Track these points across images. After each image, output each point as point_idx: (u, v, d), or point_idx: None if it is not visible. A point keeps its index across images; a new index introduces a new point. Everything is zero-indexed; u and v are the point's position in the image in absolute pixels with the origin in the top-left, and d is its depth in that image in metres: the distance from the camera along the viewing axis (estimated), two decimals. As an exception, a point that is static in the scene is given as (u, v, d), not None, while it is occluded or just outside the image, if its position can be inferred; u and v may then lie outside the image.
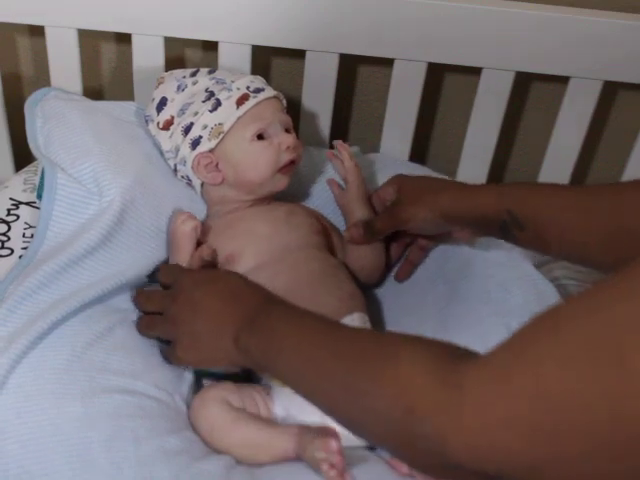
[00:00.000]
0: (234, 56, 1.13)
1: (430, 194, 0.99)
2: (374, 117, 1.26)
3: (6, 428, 0.81)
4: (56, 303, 0.89)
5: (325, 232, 1.05)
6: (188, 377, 0.92)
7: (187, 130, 0.99)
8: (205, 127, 0.98)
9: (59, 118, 1.03)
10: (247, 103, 0.98)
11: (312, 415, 0.86)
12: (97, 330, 0.90)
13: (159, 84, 1.04)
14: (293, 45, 1.13)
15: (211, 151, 0.99)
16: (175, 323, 0.87)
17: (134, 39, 1.13)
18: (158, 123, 1.02)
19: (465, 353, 0.61)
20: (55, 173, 0.96)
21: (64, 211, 0.96)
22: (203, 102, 0.99)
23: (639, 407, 0.46)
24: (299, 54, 1.15)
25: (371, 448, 0.90)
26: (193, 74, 1.04)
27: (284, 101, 1.04)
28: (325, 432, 0.83)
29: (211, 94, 0.99)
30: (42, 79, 1.19)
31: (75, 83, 1.15)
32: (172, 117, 1.01)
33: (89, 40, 1.19)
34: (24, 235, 0.98)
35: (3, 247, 0.97)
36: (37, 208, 0.99)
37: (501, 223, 0.92)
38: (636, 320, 0.47)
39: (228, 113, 0.98)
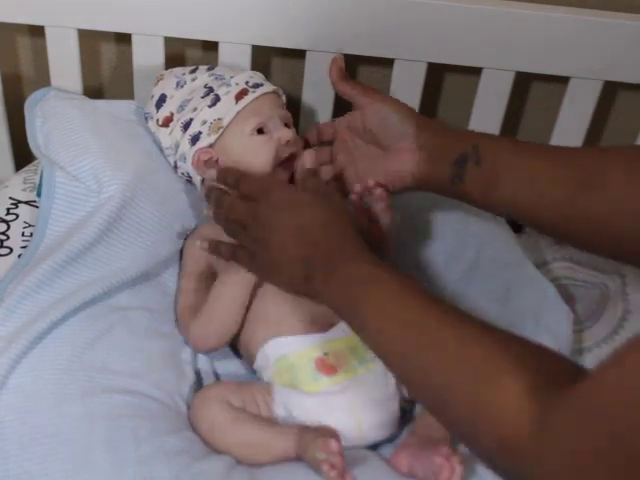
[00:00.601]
0: (234, 56, 1.13)
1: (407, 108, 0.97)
2: (374, 117, 1.26)
3: (6, 428, 0.81)
4: (56, 302, 0.89)
5: None
6: (189, 377, 0.92)
7: (186, 126, 0.99)
8: (204, 122, 0.98)
9: (58, 117, 1.03)
10: (246, 98, 0.98)
11: (312, 415, 0.86)
12: (97, 330, 0.90)
13: (158, 81, 1.04)
14: (293, 45, 1.13)
15: (211, 146, 0.98)
16: (253, 240, 0.85)
17: (134, 39, 1.13)
18: (157, 120, 1.02)
19: (567, 372, 0.60)
20: (54, 172, 0.96)
21: (63, 209, 0.96)
22: (202, 98, 0.99)
23: None
24: (299, 54, 1.15)
25: (371, 448, 0.90)
26: (192, 71, 1.04)
27: (284, 97, 1.04)
28: (325, 432, 0.83)
29: (210, 90, 0.99)
30: (42, 79, 1.19)
31: (75, 83, 1.15)
32: (171, 114, 1.01)
33: (89, 40, 1.19)
34: (23, 234, 0.98)
35: (2, 246, 0.97)
36: (37, 207, 0.99)
37: (460, 156, 0.89)
38: None
39: (227, 108, 0.98)
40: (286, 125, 1.00)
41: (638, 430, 0.50)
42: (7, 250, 0.96)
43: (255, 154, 0.98)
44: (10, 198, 1.03)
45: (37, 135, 1.03)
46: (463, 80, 1.23)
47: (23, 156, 1.18)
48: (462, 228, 1.08)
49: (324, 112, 1.20)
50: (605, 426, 0.52)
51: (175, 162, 1.02)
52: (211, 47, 1.16)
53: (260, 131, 0.98)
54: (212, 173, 0.94)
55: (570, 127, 1.18)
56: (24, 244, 0.97)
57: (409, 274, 0.81)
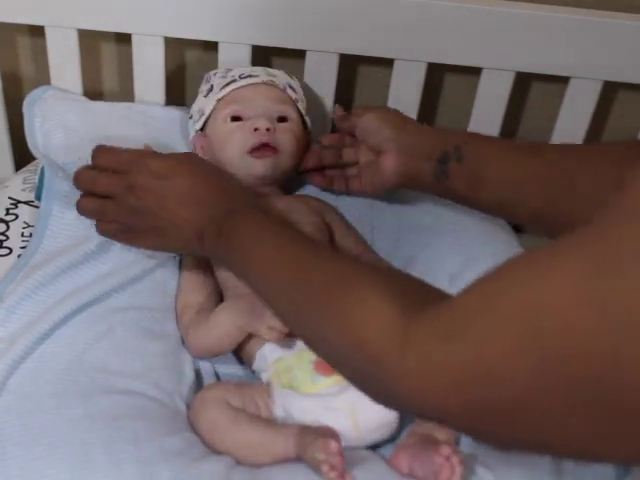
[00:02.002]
0: (234, 56, 1.13)
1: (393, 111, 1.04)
2: (374, 117, 1.26)
3: (6, 429, 0.81)
4: (56, 304, 0.89)
5: (328, 229, 1.04)
6: (188, 377, 0.92)
7: (192, 116, 1.07)
8: (198, 110, 1.05)
9: (58, 118, 1.03)
10: (228, 87, 1.03)
11: (312, 415, 0.86)
12: (97, 331, 0.90)
13: None
14: (293, 45, 1.13)
15: (201, 133, 1.04)
16: (131, 210, 0.88)
17: (134, 39, 1.13)
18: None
19: (434, 297, 0.61)
20: (54, 172, 0.96)
21: (63, 210, 0.96)
22: (204, 85, 1.07)
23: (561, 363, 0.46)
24: (299, 54, 1.15)
25: (371, 448, 0.90)
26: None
27: (288, 91, 1.05)
28: (325, 433, 0.83)
29: (212, 81, 1.06)
30: (42, 79, 1.19)
31: (75, 83, 1.15)
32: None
33: (89, 40, 1.19)
34: (23, 234, 0.98)
35: (2, 246, 0.97)
36: (36, 207, 1.00)
37: (442, 154, 0.94)
38: (557, 298, 0.46)
39: (213, 96, 1.03)
40: (280, 119, 1.02)
41: (498, 341, 0.50)
42: (7, 250, 0.96)
43: (224, 140, 1.02)
44: (10, 198, 1.03)
45: (36, 135, 1.03)
46: (463, 80, 1.23)
47: (23, 156, 1.18)
48: (461, 228, 1.08)
49: (324, 112, 1.20)
50: (468, 338, 0.52)
51: None
52: (211, 47, 1.16)
53: (238, 119, 1.01)
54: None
55: (570, 127, 1.18)
56: (24, 244, 0.97)
57: (285, 220, 0.86)
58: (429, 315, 0.57)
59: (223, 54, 1.14)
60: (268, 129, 1.00)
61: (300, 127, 1.06)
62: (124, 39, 1.16)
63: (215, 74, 1.08)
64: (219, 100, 1.03)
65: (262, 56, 1.19)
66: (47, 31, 1.12)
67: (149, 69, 1.15)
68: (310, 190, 1.12)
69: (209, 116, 1.04)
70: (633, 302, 0.41)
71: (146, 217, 0.87)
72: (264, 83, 1.04)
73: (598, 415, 0.45)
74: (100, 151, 0.91)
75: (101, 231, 0.91)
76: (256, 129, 0.99)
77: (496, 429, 0.54)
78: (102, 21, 1.11)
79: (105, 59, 1.25)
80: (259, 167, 1.01)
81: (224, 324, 0.91)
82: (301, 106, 1.07)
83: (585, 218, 0.84)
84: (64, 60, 1.14)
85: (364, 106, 1.09)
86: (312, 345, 0.72)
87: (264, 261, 0.77)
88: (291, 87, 1.07)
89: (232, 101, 1.02)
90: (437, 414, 0.57)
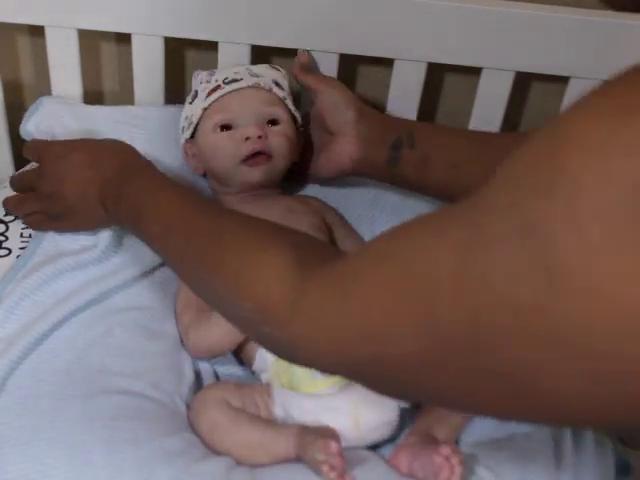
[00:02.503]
0: (234, 56, 1.13)
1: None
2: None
3: (5, 430, 0.81)
4: (55, 304, 0.89)
5: (328, 229, 1.04)
6: (188, 378, 0.92)
7: (180, 123, 1.05)
8: (186, 118, 1.03)
9: (54, 121, 1.05)
10: (214, 94, 1.01)
11: (312, 416, 0.86)
12: (96, 331, 0.90)
13: None
14: (293, 45, 1.13)
15: (191, 141, 1.03)
16: (46, 197, 0.92)
17: (134, 39, 1.13)
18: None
19: (330, 256, 0.62)
20: None
21: None
22: (190, 95, 1.05)
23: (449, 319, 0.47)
24: (299, 54, 1.15)
25: (371, 448, 0.90)
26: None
27: (275, 90, 1.03)
28: (325, 433, 0.83)
29: (196, 86, 1.05)
30: (42, 79, 1.19)
31: (75, 83, 1.15)
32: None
33: (89, 40, 1.19)
34: (22, 235, 0.98)
35: (1, 247, 0.97)
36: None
37: (395, 140, 0.97)
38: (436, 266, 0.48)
39: (199, 104, 1.02)
40: (271, 122, 1.01)
41: (383, 302, 0.51)
42: (6, 251, 0.97)
43: (214, 151, 1.00)
44: (9, 199, 1.03)
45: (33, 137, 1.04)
46: (463, 80, 1.23)
47: (23, 156, 1.18)
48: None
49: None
50: (354, 297, 0.54)
51: None
52: (211, 47, 1.15)
53: (227, 128, 1.00)
54: None
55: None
56: (23, 245, 0.97)
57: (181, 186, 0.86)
58: (323, 272, 0.58)
59: (223, 54, 1.14)
60: (260, 136, 0.98)
61: (291, 125, 1.04)
62: (124, 39, 1.16)
63: (198, 76, 1.05)
64: (205, 109, 1.01)
65: (262, 56, 1.19)
66: (47, 31, 1.12)
67: (149, 69, 1.15)
68: (310, 190, 1.12)
69: (197, 124, 1.02)
70: (490, 277, 0.44)
71: (58, 200, 0.91)
72: (249, 87, 1.01)
73: (466, 374, 0.48)
74: (27, 146, 0.98)
75: (27, 223, 0.97)
76: (247, 138, 0.98)
77: (379, 382, 0.57)
78: (102, 21, 1.11)
79: (105, 59, 1.25)
80: (254, 175, 1.00)
81: (225, 323, 0.91)
82: (289, 102, 1.05)
83: None
84: (64, 60, 1.14)
85: (325, 76, 1.10)
86: (208, 301, 0.74)
87: (164, 219, 0.79)
88: (277, 84, 1.04)
89: (219, 110, 1.00)
90: (323, 367, 0.60)
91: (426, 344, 0.49)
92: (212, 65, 1.14)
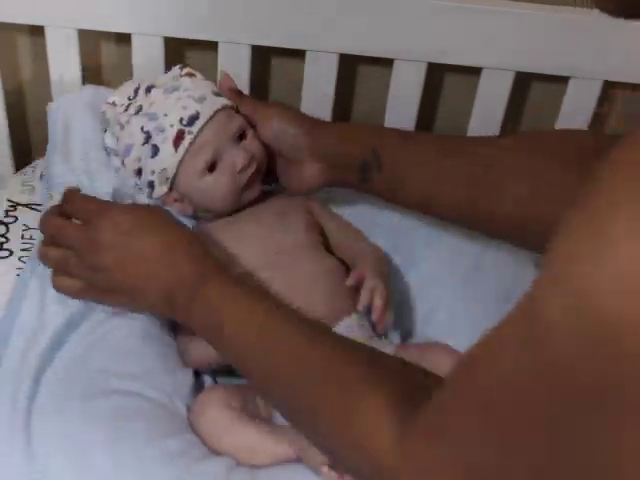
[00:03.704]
0: (234, 56, 1.13)
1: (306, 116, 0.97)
2: (374, 117, 1.26)
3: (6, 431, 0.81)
4: (55, 306, 0.90)
5: (321, 228, 1.04)
6: (188, 379, 0.92)
7: (139, 173, 0.97)
8: (153, 172, 0.95)
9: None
10: (184, 142, 0.92)
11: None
12: (97, 333, 0.90)
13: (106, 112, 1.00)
14: (293, 45, 1.13)
15: (170, 191, 0.96)
16: (95, 270, 0.83)
17: (134, 39, 1.13)
18: (122, 161, 0.99)
19: (422, 393, 0.59)
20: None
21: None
22: (142, 145, 0.94)
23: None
24: (299, 54, 1.15)
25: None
26: (131, 98, 0.98)
27: (229, 103, 0.96)
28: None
29: (148, 136, 0.94)
30: (42, 79, 1.19)
31: (75, 83, 1.15)
32: (123, 159, 0.98)
33: (89, 40, 1.19)
34: (23, 237, 0.98)
35: (2, 249, 0.97)
36: (36, 210, 1.00)
37: (361, 163, 0.92)
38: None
39: (168, 158, 0.93)
40: (241, 136, 0.96)
41: (471, 440, 0.50)
42: (7, 252, 0.97)
43: (212, 194, 0.95)
44: (8, 200, 1.03)
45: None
46: (463, 80, 1.23)
47: (23, 156, 1.18)
48: (463, 229, 1.08)
49: (324, 112, 1.19)
50: (447, 439, 0.52)
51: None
52: (211, 47, 1.15)
53: (213, 164, 0.94)
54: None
55: (570, 127, 1.18)
56: (24, 247, 0.97)
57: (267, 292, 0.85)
58: (419, 415, 0.57)
59: (223, 54, 1.14)
60: (250, 159, 0.94)
61: (248, 125, 0.98)
62: (124, 39, 1.16)
63: (143, 130, 0.94)
64: (180, 161, 0.93)
65: (262, 56, 1.19)
66: (47, 31, 1.12)
67: (149, 69, 1.15)
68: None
69: (174, 176, 0.95)
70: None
71: (107, 276, 0.83)
72: (212, 116, 0.93)
73: None
74: (70, 196, 0.88)
75: (58, 286, 0.86)
76: (242, 168, 0.93)
77: None
78: (102, 21, 1.11)
79: (105, 59, 1.25)
80: (254, 193, 0.98)
81: None
82: (230, 101, 0.98)
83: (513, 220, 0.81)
84: (64, 60, 1.14)
85: (254, 101, 0.99)
86: (306, 428, 0.72)
87: (251, 339, 0.75)
88: (217, 93, 0.98)
89: (197, 152, 0.93)
90: None
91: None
92: (212, 65, 1.14)
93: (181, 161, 0.93)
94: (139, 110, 0.96)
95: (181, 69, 0.99)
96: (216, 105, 0.95)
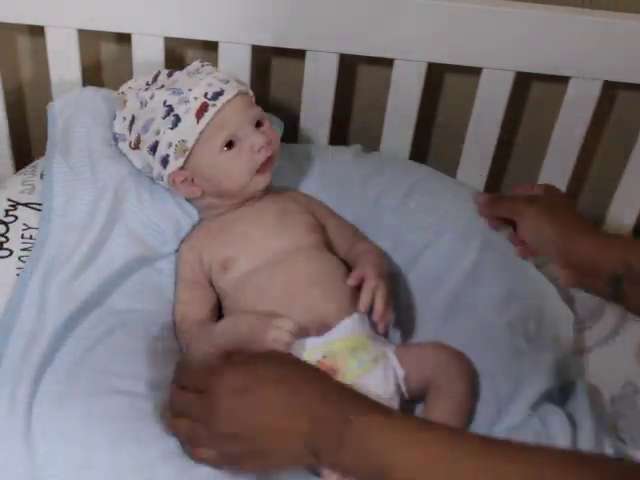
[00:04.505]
0: (234, 56, 1.13)
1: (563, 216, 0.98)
2: (374, 117, 1.26)
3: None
4: (57, 306, 0.90)
5: (322, 228, 1.04)
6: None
7: (154, 148, 0.97)
8: (170, 145, 0.96)
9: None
10: (207, 115, 0.94)
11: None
12: (97, 333, 0.90)
13: (124, 102, 1.02)
14: (293, 45, 1.13)
15: (182, 168, 0.97)
16: (226, 439, 0.77)
17: (134, 39, 1.13)
18: (130, 142, 1.00)
19: None
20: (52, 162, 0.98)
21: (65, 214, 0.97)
22: (163, 118, 0.96)
23: None
24: (299, 54, 1.15)
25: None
26: (152, 82, 1.01)
27: (250, 93, 1.01)
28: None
29: (170, 109, 0.96)
30: (42, 79, 1.19)
31: (75, 83, 1.15)
32: (139, 135, 0.99)
33: (89, 40, 1.19)
34: (23, 236, 0.98)
35: (2, 248, 0.97)
36: (36, 209, 1.00)
37: (612, 276, 0.89)
38: None
39: (189, 129, 0.95)
40: (258, 124, 0.98)
41: None
42: (7, 252, 0.96)
43: (228, 171, 0.96)
44: (8, 200, 1.03)
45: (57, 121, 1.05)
46: (463, 80, 1.23)
47: (23, 156, 1.18)
48: (464, 229, 1.08)
49: (324, 112, 1.20)
50: None
51: (153, 179, 1.02)
52: (211, 47, 1.15)
53: (230, 143, 0.96)
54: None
55: (570, 127, 1.18)
56: (24, 246, 0.97)
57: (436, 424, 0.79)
58: None
59: (223, 54, 1.14)
60: (268, 142, 0.97)
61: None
62: (124, 39, 1.16)
63: (166, 104, 0.96)
64: (202, 132, 0.95)
65: (262, 56, 1.19)
66: (47, 31, 1.12)
67: (149, 69, 1.14)
68: (281, 179, 1.08)
69: (191, 150, 0.96)
70: None
71: (240, 442, 0.76)
72: (235, 96, 0.97)
73: None
74: (182, 370, 0.85)
75: (198, 459, 0.80)
76: (260, 148, 0.96)
77: None
78: (102, 21, 1.11)
79: (105, 59, 1.25)
80: (265, 180, 0.99)
81: (227, 342, 0.90)
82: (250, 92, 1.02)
83: None
84: (64, 60, 1.14)
85: (522, 196, 1.03)
86: None
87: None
88: (238, 80, 1.01)
89: (219, 128, 0.95)
90: None
91: None
92: (212, 65, 1.13)
93: (201, 133, 0.95)
94: (162, 86, 0.98)
95: (201, 63, 1.03)
96: (240, 88, 0.98)
